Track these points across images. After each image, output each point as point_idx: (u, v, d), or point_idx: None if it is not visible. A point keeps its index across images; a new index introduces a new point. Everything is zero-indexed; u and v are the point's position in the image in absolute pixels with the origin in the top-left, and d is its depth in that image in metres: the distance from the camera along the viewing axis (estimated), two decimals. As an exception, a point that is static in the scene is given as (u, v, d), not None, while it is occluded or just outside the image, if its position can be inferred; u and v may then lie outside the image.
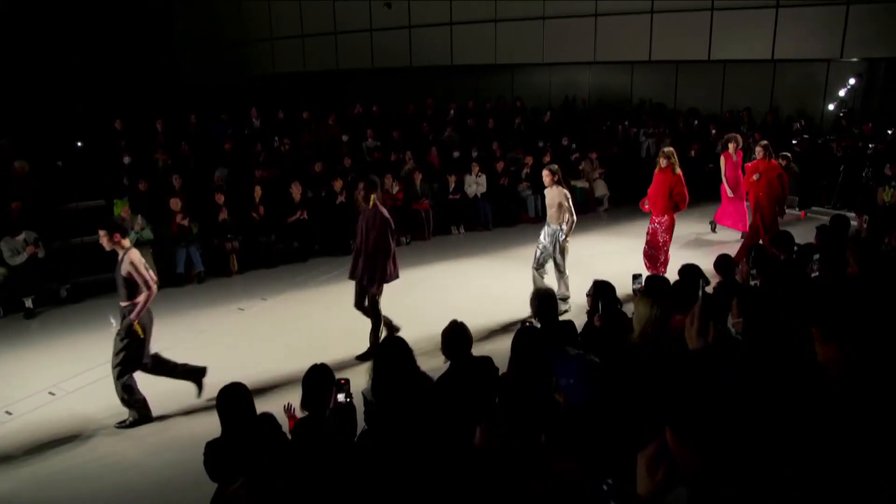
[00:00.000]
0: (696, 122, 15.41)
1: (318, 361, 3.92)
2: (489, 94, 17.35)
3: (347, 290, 9.19)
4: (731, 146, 10.54)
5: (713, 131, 14.58)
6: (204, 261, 9.92)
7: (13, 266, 9.03)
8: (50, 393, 6.49)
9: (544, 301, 4.74)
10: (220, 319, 8.26)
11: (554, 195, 7.85)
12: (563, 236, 7.80)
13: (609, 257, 9.97)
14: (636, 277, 5.36)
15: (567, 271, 7.92)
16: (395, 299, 8.56)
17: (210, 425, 4.02)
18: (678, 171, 8.41)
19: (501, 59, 17.91)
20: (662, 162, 8.46)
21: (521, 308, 7.73)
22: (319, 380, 3.76)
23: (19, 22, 15.37)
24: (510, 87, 18.53)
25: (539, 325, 4.75)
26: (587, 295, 5.17)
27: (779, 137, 13.58)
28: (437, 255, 10.64)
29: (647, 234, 8.69)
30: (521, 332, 3.99)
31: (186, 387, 6.21)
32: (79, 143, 12.65)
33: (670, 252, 8.68)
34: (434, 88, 17.83)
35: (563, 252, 7.87)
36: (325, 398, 3.73)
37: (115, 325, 8.37)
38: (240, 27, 21.55)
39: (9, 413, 6.11)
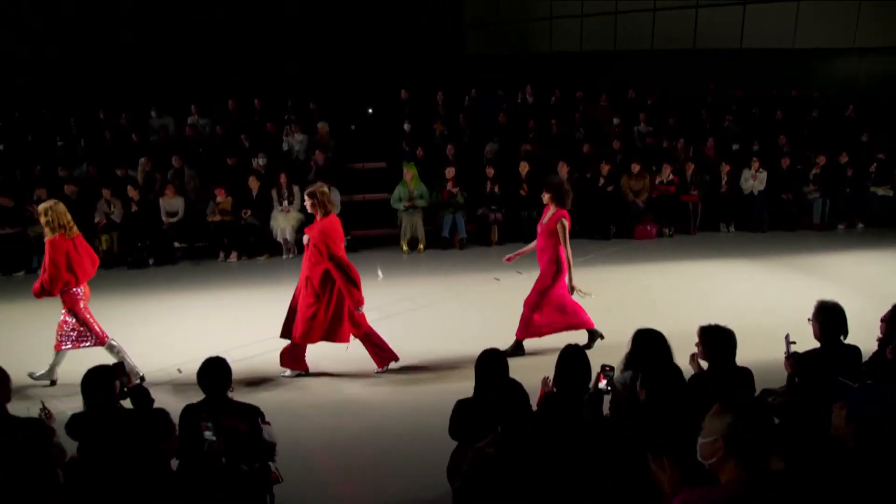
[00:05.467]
0: None
1: (571, 342, 3.90)
2: (782, 83, 15.69)
3: (603, 273, 9.14)
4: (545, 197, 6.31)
5: None
6: (468, 228, 10.46)
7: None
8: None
9: (831, 316, 4.19)
10: (476, 286, 8.63)
11: None
12: None
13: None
14: None
15: None
16: (652, 292, 8.26)
17: (462, 387, 4.22)
18: (73, 232, 5.77)
19: (801, 43, 16.07)
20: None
21: (785, 321, 6.96)
22: (572, 361, 3.73)
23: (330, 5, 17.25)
24: (809, 74, 16.57)
25: (819, 346, 4.22)
26: (882, 320, 4.45)
27: None
28: (702, 252, 9.99)
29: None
30: (804, 357, 3.59)
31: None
32: (370, 110, 13.99)
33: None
34: (717, 74, 16.61)
35: None
36: (577, 380, 3.69)
37: (381, 276, 9.22)
38: (522, 5, 22.01)
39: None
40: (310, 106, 13.18)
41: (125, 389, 3.74)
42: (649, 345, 4.00)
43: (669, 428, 3.09)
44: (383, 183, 11.45)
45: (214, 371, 3.73)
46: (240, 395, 3.95)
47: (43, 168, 11.24)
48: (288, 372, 6.11)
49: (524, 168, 10.82)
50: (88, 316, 5.87)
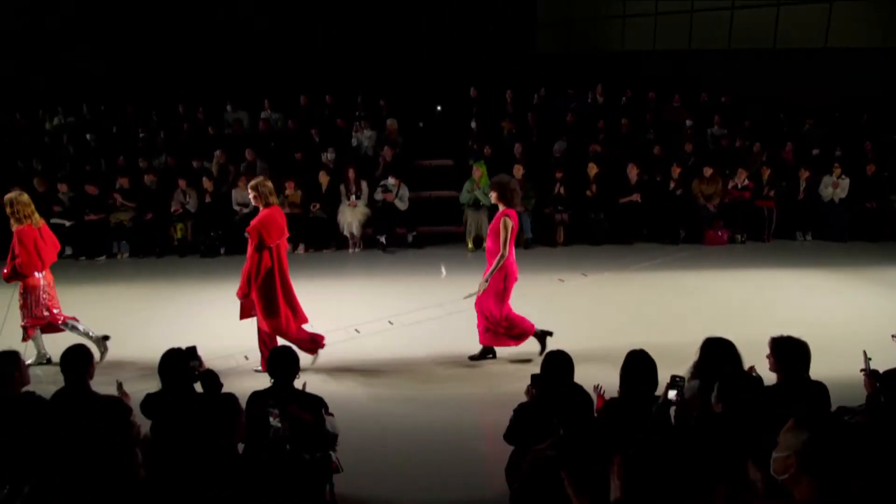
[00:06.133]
0: None
1: (636, 347, 3.81)
2: (869, 84, 14.93)
3: (670, 279, 8.94)
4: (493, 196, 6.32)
5: None
6: (533, 228, 10.39)
7: (376, 207, 10.52)
8: (389, 322, 7.38)
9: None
10: (540, 286, 8.54)
11: None
12: None
13: None
14: None
15: None
16: (722, 300, 8.02)
17: (521, 387, 4.17)
18: (37, 221, 6.17)
19: (893, 41, 15.27)
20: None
21: (864, 337, 6.62)
22: (639, 366, 3.65)
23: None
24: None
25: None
26: None
27: None
28: (776, 261, 9.62)
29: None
30: (888, 376, 3.41)
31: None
32: (439, 108, 14.05)
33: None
34: (798, 74, 15.94)
35: None
36: (643, 386, 3.61)
37: (444, 273, 9.26)
38: (595, 3, 21.65)
39: (357, 331, 7.11)
40: (379, 102, 13.35)
41: (196, 373, 3.87)
42: (719, 354, 3.88)
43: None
44: (450, 180, 11.49)
45: (283, 360, 3.83)
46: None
47: (126, 158, 11.75)
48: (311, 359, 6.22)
49: (592, 169, 10.67)
50: (41, 301, 6.22)
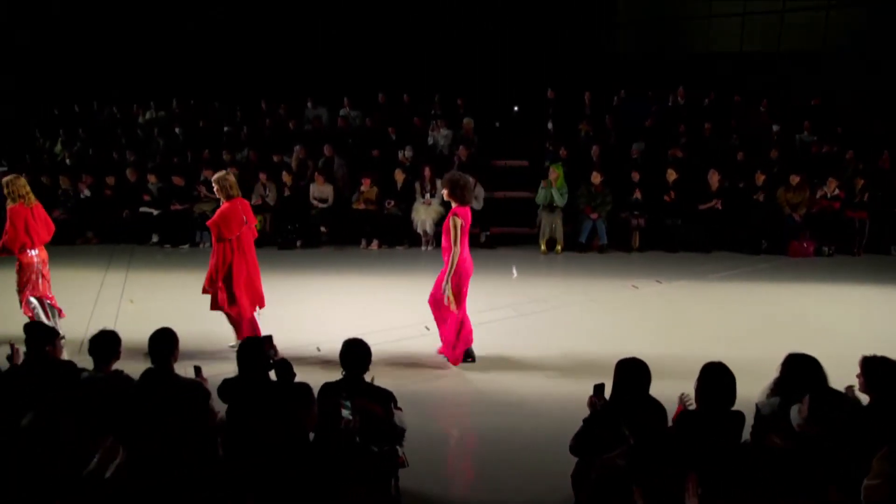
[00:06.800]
0: None
1: (714, 360, 3.66)
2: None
3: (750, 290, 8.63)
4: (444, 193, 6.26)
5: None
6: (608, 232, 10.21)
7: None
8: (461, 322, 7.38)
9: None
10: (612, 292, 8.40)
11: None
12: None
13: None
14: None
15: None
16: (805, 314, 7.65)
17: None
18: (30, 202, 6.55)
19: None
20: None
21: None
22: (718, 380, 3.52)
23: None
24: None
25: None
26: None
27: None
28: (867, 276, 9.07)
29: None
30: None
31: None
32: (515, 108, 13.98)
33: None
34: (897, 79, 15.05)
35: None
36: (720, 401, 3.49)
37: (515, 274, 9.20)
38: (679, 3, 21.05)
39: (427, 329, 7.16)
40: (456, 102, 13.39)
41: (271, 361, 3.98)
42: (803, 371, 3.71)
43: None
44: (525, 181, 11.42)
45: (356, 352, 3.88)
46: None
47: (210, 152, 12.21)
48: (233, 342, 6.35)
49: (671, 175, 10.40)
50: (34, 277, 6.59)
